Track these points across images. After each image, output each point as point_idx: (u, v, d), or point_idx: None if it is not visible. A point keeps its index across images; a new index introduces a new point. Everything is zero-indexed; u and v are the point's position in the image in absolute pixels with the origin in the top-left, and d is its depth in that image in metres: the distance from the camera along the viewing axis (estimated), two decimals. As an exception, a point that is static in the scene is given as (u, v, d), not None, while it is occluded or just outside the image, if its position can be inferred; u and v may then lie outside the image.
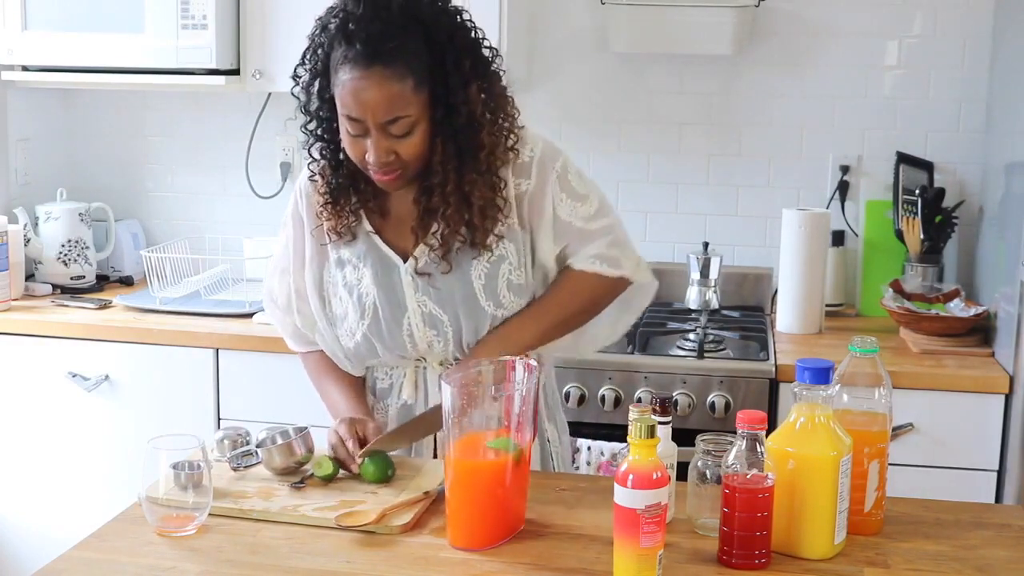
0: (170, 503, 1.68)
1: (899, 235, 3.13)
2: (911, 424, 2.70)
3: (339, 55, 1.81)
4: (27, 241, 3.28)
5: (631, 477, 1.47)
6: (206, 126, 3.57)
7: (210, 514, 1.70)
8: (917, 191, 3.08)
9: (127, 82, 3.21)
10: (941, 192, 3.10)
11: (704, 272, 3.12)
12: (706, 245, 3.15)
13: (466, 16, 1.88)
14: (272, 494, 1.80)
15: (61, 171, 3.58)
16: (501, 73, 1.92)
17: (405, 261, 1.97)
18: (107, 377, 3.02)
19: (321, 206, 1.99)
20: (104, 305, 3.16)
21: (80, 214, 3.34)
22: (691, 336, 2.95)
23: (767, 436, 1.60)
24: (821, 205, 3.26)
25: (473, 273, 1.95)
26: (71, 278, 3.33)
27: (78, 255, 3.33)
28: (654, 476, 1.48)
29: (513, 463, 1.64)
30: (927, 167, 3.21)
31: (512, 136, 1.93)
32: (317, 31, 1.87)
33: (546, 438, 2.11)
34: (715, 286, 3.13)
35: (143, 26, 3.08)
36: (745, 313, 3.22)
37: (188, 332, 2.97)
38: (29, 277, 3.33)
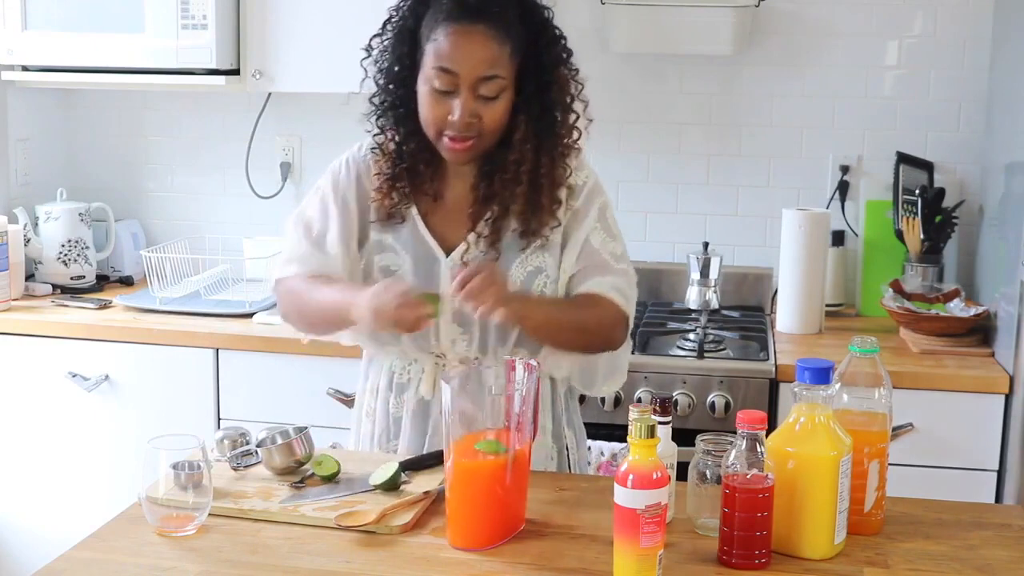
0: (170, 503, 1.67)
1: (899, 235, 3.13)
2: (911, 424, 2.70)
3: (440, 12, 1.86)
4: (27, 241, 3.28)
5: (631, 477, 1.47)
6: (206, 126, 3.57)
7: (210, 514, 1.70)
8: (917, 191, 3.08)
9: (127, 82, 3.21)
10: (941, 192, 3.10)
11: (704, 272, 3.12)
12: (706, 245, 3.14)
13: (552, 16, 1.97)
14: (272, 494, 1.80)
15: (61, 171, 3.58)
16: (576, 72, 1.99)
17: (448, 255, 1.98)
18: (107, 377, 3.02)
19: (381, 181, 1.98)
20: (104, 305, 3.16)
21: (80, 214, 3.34)
22: (691, 336, 2.95)
23: (767, 436, 1.60)
24: (821, 205, 3.26)
25: (512, 277, 1.96)
26: (71, 278, 3.33)
27: (78, 255, 3.33)
28: (654, 476, 1.48)
29: (513, 463, 1.64)
30: (927, 167, 3.21)
31: (577, 130, 1.98)
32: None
33: (564, 444, 2.10)
34: (715, 286, 3.13)
35: (143, 26, 3.08)
36: (745, 313, 3.22)
37: (188, 332, 2.97)
38: (29, 277, 3.33)
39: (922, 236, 3.06)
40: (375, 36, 1.97)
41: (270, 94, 3.42)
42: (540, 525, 1.72)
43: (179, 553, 1.62)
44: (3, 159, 3.36)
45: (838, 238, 3.25)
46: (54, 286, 3.31)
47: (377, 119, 1.99)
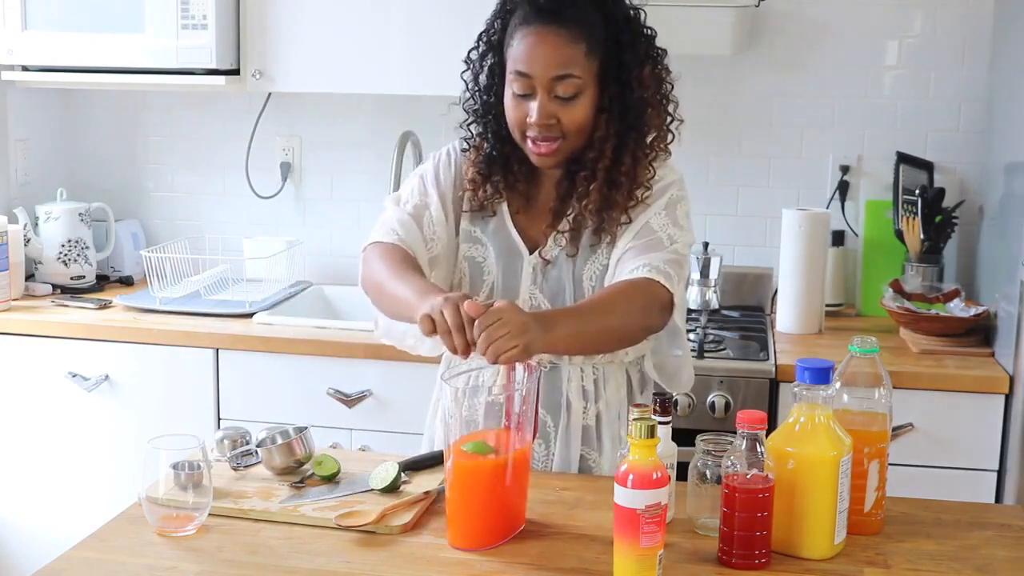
0: (170, 503, 1.68)
1: (899, 235, 3.13)
2: (911, 424, 2.70)
3: (519, 17, 1.90)
4: (27, 241, 3.28)
5: (631, 477, 1.47)
6: (206, 126, 3.57)
7: (210, 514, 1.70)
8: (917, 191, 3.08)
9: (127, 82, 3.21)
10: (941, 192, 3.10)
11: (704, 272, 3.12)
12: (706, 245, 3.14)
13: (642, 17, 1.96)
14: (272, 494, 1.80)
15: (61, 171, 3.58)
16: (667, 73, 1.99)
17: (532, 252, 1.99)
18: (107, 377, 3.02)
19: (475, 173, 2.00)
20: (104, 305, 3.16)
21: (80, 214, 3.34)
22: (691, 336, 2.94)
23: (767, 436, 1.60)
24: (821, 205, 3.26)
25: (585, 273, 1.97)
26: (71, 278, 3.33)
27: (78, 255, 3.33)
28: (654, 476, 1.48)
29: (513, 463, 1.64)
30: (927, 167, 3.21)
31: (671, 133, 1.99)
32: (500, 5, 1.96)
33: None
34: (715, 286, 3.13)
35: (143, 26, 3.08)
36: (745, 313, 3.22)
37: (188, 332, 2.97)
38: (29, 277, 3.32)
39: (922, 236, 3.06)
40: (472, 49, 2.01)
41: (270, 94, 3.42)
42: (540, 525, 1.72)
43: (179, 553, 1.62)
44: (3, 159, 3.36)
45: (838, 238, 3.25)
46: (54, 286, 3.31)
47: (470, 126, 2.03)
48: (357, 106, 3.44)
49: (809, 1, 3.26)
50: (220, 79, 3.11)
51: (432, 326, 1.69)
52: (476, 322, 1.65)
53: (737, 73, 3.32)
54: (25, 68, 3.22)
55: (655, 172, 1.97)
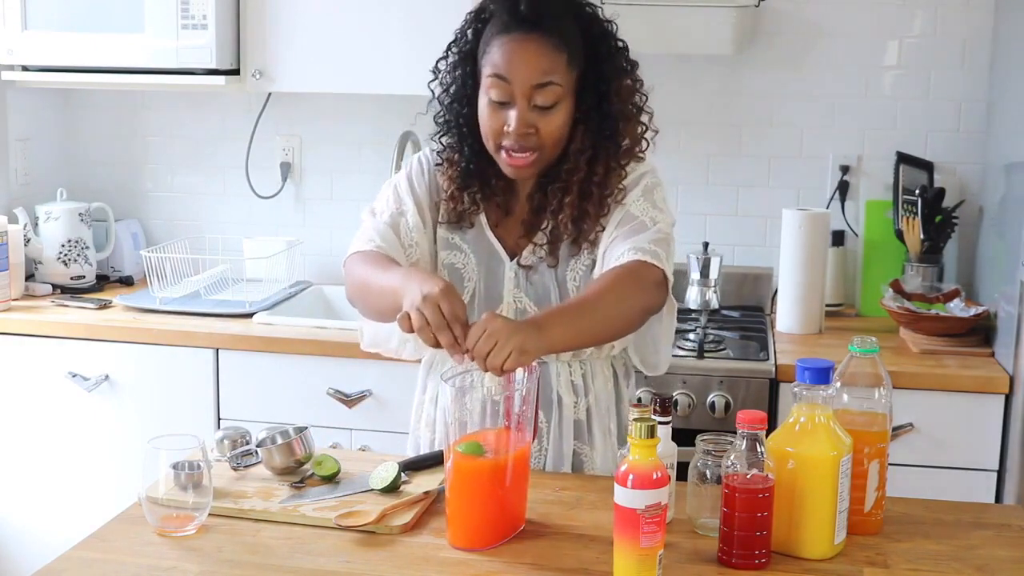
0: (170, 503, 1.68)
1: (899, 235, 3.13)
2: (911, 424, 2.70)
3: (498, 25, 1.88)
4: (27, 241, 3.28)
5: (631, 477, 1.47)
6: (206, 126, 3.57)
7: (210, 514, 1.70)
8: (917, 191, 3.08)
9: (127, 82, 3.21)
10: (941, 192, 3.10)
11: (704, 272, 3.11)
12: (706, 245, 3.14)
13: (615, 28, 1.96)
14: (272, 494, 1.80)
15: (61, 171, 3.59)
16: (641, 84, 1.99)
17: (512, 258, 1.99)
18: (107, 377, 3.02)
19: (451, 186, 1.99)
20: (104, 305, 3.16)
21: (80, 214, 3.34)
22: (691, 336, 2.95)
23: (767, 436, 1.60)
24: (821, 205, 3.26)
25: (568, 275, 1.97)
26: (71, 278, 3.33)
27: (78, 255, 3.33)
28: (654, 476, 1.48)
29: (513, 463, 1.64)
30: (927, 167, 3.21)
31: (645, 142, 1.98)
32: (472, 15, 1.94)
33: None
34: (715, 286, 3.12)
35: (143, 26, 3.08)
36: (745, 313, 3.22)
37: (188, 332, 2.97)
38: (29, 277, 3.33)
39: (922, 236, 3.06)
40: (440, 58, 1.99)
41: (270, 94, 3.42)
42: (540, 525, 1.72)
43: (179, 553, 1.62)
44: (3, 159, 3.36)
45: (838, 238, 3.25)
46: (54, 286, 3.31)
47: (441, 138, 2.01)
48: (357, 106, 3.44)
49: (809, 1, 3.27)
50: (220, 79, 3.11)
51: (409, 324, 1.67)
52: (468, 336, 1.64)
53: (737, 73, 3.32)
54: (25, 68, 3.22)
55: (626, 173, 1.96)
